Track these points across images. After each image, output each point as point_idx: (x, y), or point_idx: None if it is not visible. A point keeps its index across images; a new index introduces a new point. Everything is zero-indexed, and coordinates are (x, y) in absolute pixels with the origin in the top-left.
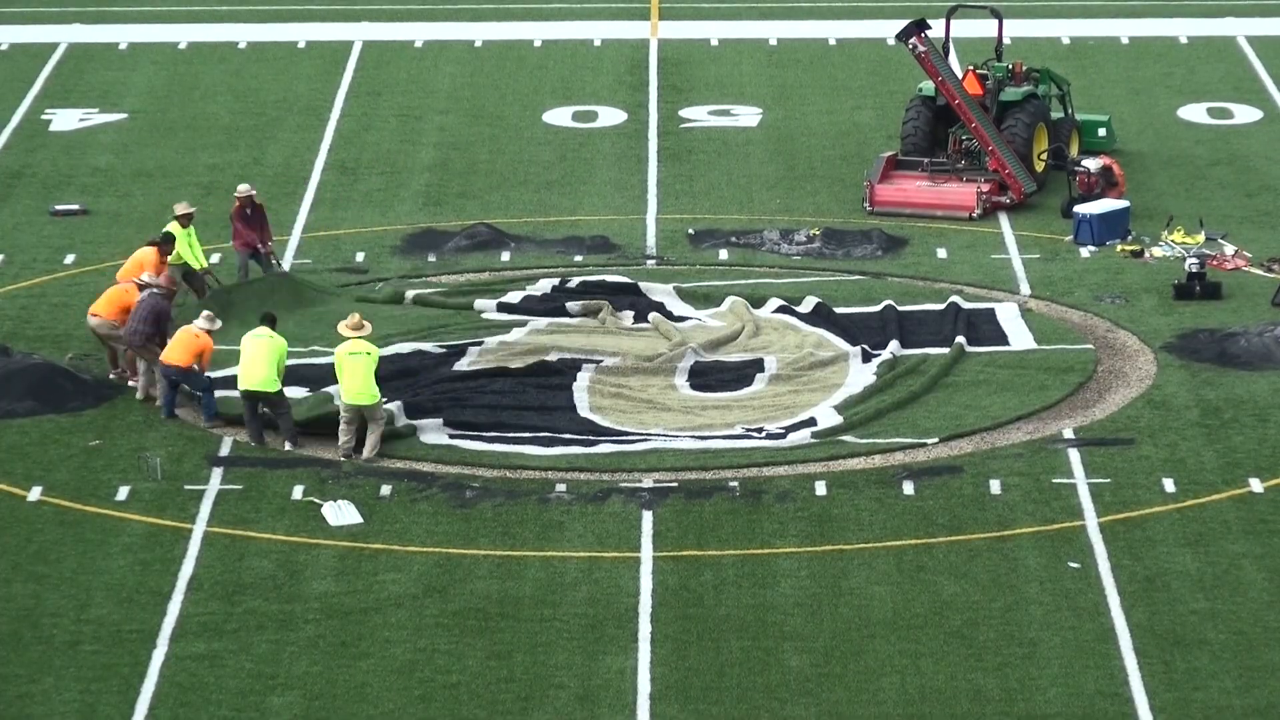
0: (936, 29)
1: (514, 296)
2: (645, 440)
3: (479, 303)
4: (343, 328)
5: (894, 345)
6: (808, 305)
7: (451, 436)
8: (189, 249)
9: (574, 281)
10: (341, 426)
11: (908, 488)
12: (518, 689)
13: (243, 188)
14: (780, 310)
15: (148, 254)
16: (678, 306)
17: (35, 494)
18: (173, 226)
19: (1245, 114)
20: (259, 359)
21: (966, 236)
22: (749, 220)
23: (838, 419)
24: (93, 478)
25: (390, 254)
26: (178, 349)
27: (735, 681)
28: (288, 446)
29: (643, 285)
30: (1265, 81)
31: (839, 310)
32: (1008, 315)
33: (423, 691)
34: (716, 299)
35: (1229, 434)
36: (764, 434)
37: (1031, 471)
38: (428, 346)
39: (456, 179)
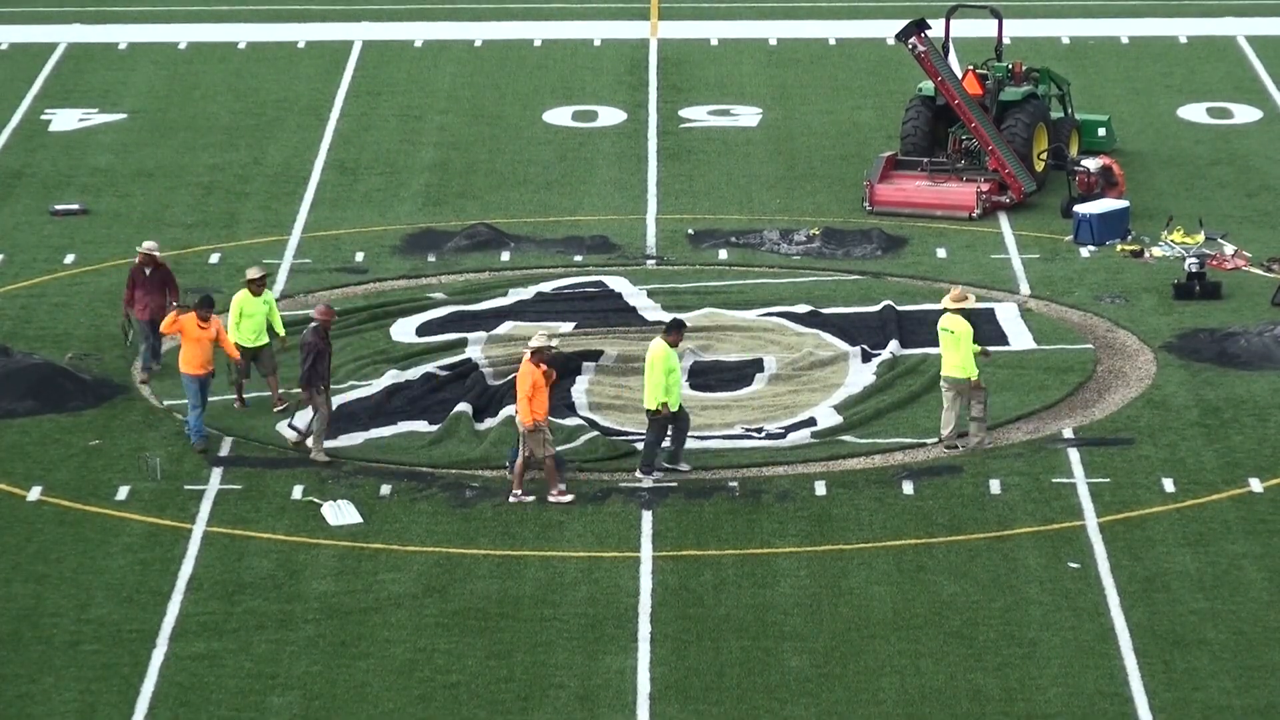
0: (936, 29)
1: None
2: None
3: (396, 327)
4: (947, 301)
5: (894, 345)
6: (803, 308)
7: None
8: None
9: (549, 287)
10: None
11: (907, 487)
12: (517, 688)
13: (147, 245)
14: (775, 314)
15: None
16: (652, 313)
17: (35, 494)
18: (244, 295)
19: (1245, 114)
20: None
21: (966, 236)
22: (749, 220)
23: (837, 419)
24: (93, 477)
25: (390, 254)
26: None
27: (735, 681)
28: (668, 467)
29: (623, 292)
30: (1265, 81)
31: (838, 310)
32: (1007, 315)
33: (422, 691)
34: (695, 306)
35: (1229, 434)
36: (763, 434)
37: (1031, 471)
38: (429, 368)
39: (456, 179)
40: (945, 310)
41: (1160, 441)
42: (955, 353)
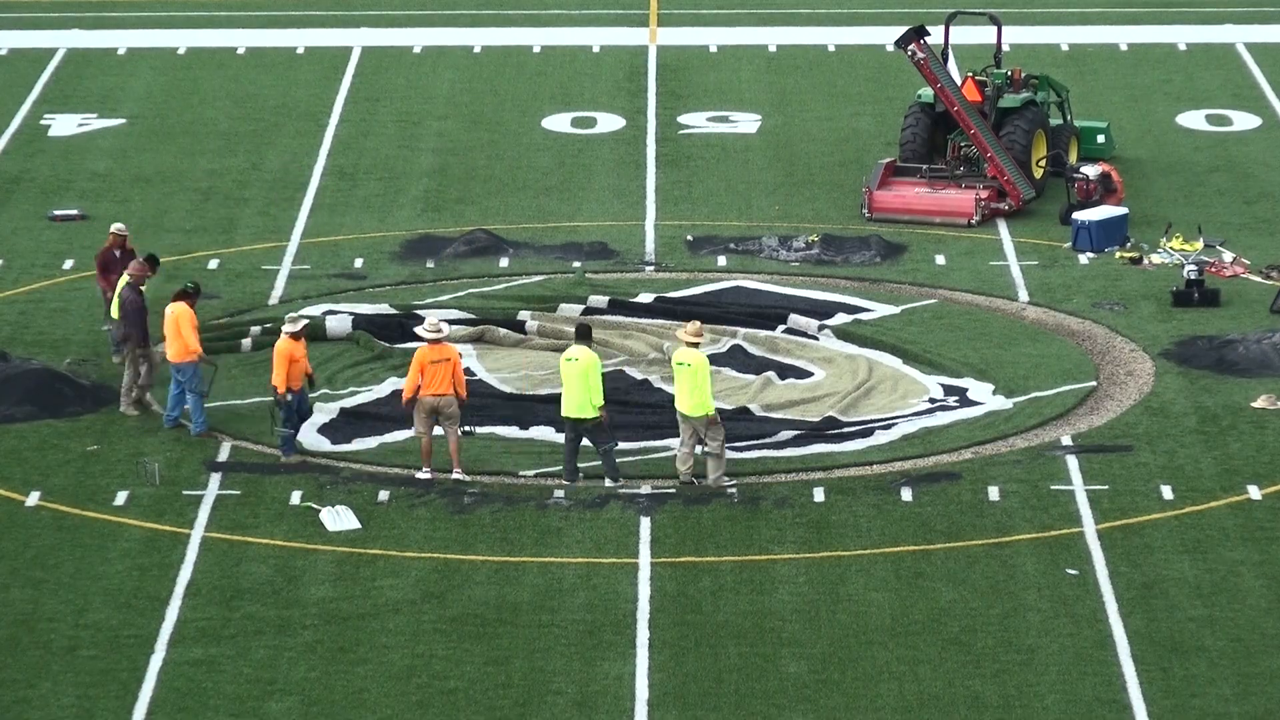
0: (935, 35)
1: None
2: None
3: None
4: (683, 334)
5: (804, 320)
6: (647, 298)
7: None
8: None
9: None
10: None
11: (905, 494)
12: (515, 695)
13: (116, 226)
14: (616, 311)
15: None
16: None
17: (33, 499)
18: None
19: (1244, 121)
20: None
21: (965, 243)
22: (748, 226)
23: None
24: (91, 483)
25: (389, 260)
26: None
27: (733, 688)
28: (608, 483)
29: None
30: (1264, 88)
31: (679, 294)
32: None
33: (420, 697)
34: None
35: (1227, 441)
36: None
37: (1030, 478)
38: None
39: (455, 185)
40: (681, 345)
41: (1159, 448)
42: (693, 388)
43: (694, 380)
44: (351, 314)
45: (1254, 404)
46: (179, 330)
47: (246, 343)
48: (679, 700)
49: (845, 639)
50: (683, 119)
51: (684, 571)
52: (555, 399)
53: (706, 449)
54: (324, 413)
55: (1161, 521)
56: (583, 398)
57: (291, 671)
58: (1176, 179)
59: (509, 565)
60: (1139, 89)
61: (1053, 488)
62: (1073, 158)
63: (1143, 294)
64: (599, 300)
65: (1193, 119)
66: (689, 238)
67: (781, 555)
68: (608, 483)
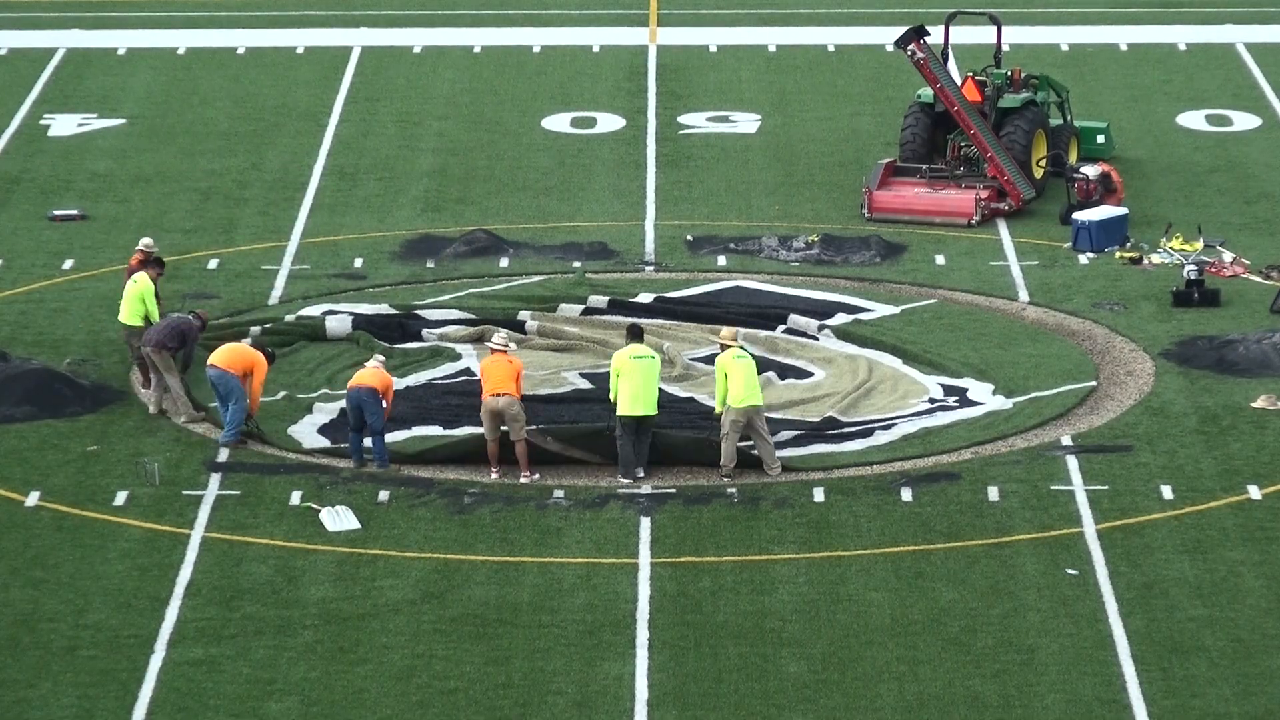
0: (935, 35)
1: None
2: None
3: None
4: (727, 338)
5: (804, 320)
6: (647, 298)
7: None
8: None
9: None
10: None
11: (905, 494)
12: (515, 695)
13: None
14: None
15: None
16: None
17: (33, 499)
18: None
19: (1244, 121)
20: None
21: (965, 243)
22: (747, 226)
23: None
24: (91, 483)
25: (389, 260)
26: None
27: (733, 688)
28: (640, 473)
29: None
30: (1264, 88)
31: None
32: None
33: (420, 697)
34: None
35: (1227, 441)
36: (937, 405)
37: (1030, 478)
38: (427, 377)
39: (455, 185)
40: (725, 345)
41: (1159, 448)
42: (755, 378)
43: (754, 371)
44: (351, 314)
45: (1254, 404)
46: (254, 372)
47: (245, 343)
48: (679, 700)
49: (845, 639)
50: (683, 119)
51: (684, 571)
52: (555, 399)
53: (764, 437)
54: (324, 413)
55: (1161, 521)
56: (653, 394)
57: (291, 671)
58: (1176, 179)
59: (509, 565)
60: (1139, 89)
61: (1053, 488)
62: (1073, 158)
63: (1143, 294)
64: (599, 300)
65: (1193, 119)
66: (689, 238)
67: (781, 555)
68: (640, 472)
